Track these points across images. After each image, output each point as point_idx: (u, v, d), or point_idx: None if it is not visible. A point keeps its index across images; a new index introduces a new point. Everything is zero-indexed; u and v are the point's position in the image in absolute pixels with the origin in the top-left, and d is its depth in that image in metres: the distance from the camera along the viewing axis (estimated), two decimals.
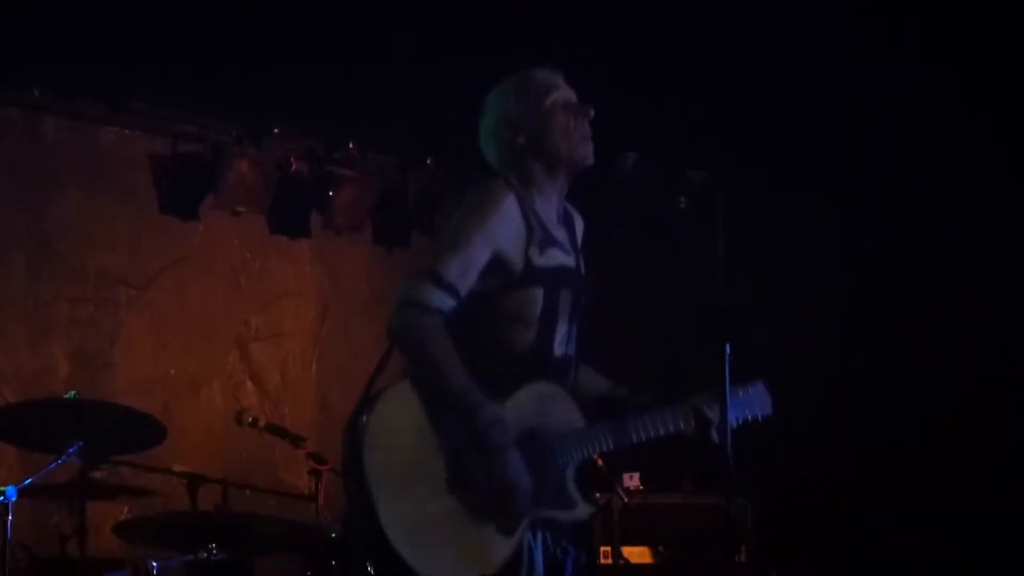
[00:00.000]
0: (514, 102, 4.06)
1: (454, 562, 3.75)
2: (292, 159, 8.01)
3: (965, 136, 7.16)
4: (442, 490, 3.75)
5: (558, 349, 4.01)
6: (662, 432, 4.06)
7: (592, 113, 4.07)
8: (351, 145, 8.16)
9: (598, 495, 6.81)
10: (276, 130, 7.86)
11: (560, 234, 4.08)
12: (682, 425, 4.07)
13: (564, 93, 4.08)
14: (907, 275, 7.38)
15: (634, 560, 7.06)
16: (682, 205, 3.81)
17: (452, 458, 3.77)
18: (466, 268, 3.85)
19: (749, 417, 4.21)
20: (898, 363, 7.38)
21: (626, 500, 6.71)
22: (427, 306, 3.80)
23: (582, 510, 3.98)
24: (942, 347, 7.24)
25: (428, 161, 8.46)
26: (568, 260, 4.06)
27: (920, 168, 7.26)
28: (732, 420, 4.08)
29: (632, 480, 7.14)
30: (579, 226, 4.24)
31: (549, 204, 4.07)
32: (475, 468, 3.77)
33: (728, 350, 3.71)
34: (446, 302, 3.81)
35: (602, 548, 7.00)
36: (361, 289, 8.49)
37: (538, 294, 3.95)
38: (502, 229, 3.89)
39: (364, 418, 3.74)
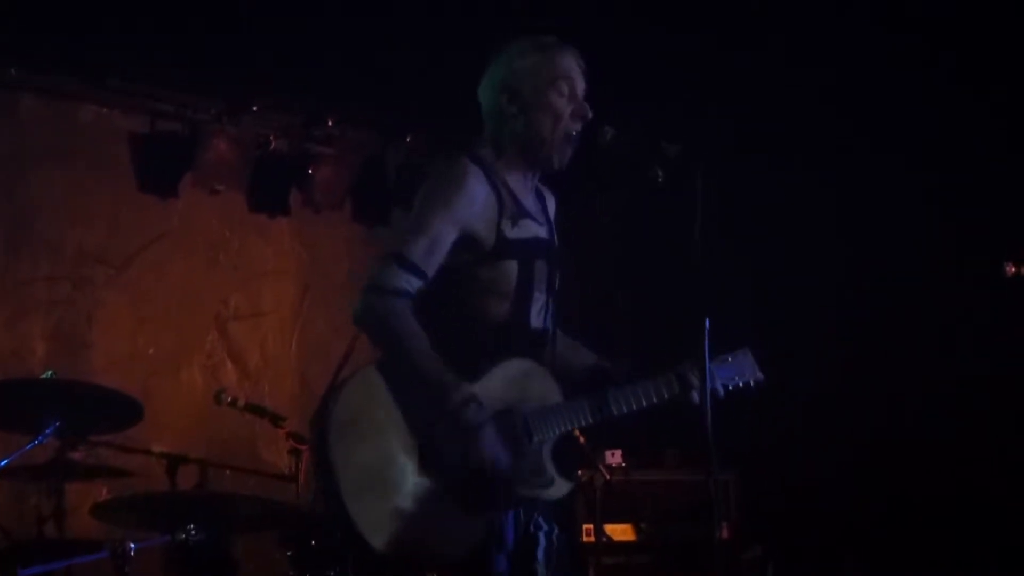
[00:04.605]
0: (526, 70, 3.99)
1: (424, 545, 3.72)
2: (271, 137, 8.00)
3: (962, 96, 7.00)
4: (412, 473, 3.72)
5: (535, 321, 3.98)
6: (645, 404, 3.99)
7: (590, 116, 4.01)
8: (330, 123, 8.13)
9: (580, 472, 6.81)
10: (255, 108, 7.84)
11: (532, 205, 4.04)
12: (666, 394, 4.01)
13: (575, 84, 4.01)
14: (893, 242, 7.26)
15: (616, 537, 7.07)
16: (659, 179, 3.78)
17: (422, 440, 3.74)
18: (432, 248, 3.81)
19: (740, 383, 4.15)
20: (885, 335, 7.31)
21: (608, 477, 6.70)
22: (391, 288, 3.76)
23: (560, 488, 3.93)
24: (933, 318, 7.16)
25: (408, 139, 8.43)
26: (542, 231, 4.03)
27: (908, 135, 7.14)
28: (719, 387, 4.07)
29: (614, 457, 7.14)
30: (551, 203, 4.20)
31: (521, 178, 4.03)
32: (447, 448, 3.73)
33: (708, 324, 3.68)
34: (411, 283, 3.78)
35: (584, 525, 7.00)
36: (341, 267, 8.44)
37: (512, 266, 3.91)
38: (467, 206, 3.84)
39: (329, 408, 3.71)
